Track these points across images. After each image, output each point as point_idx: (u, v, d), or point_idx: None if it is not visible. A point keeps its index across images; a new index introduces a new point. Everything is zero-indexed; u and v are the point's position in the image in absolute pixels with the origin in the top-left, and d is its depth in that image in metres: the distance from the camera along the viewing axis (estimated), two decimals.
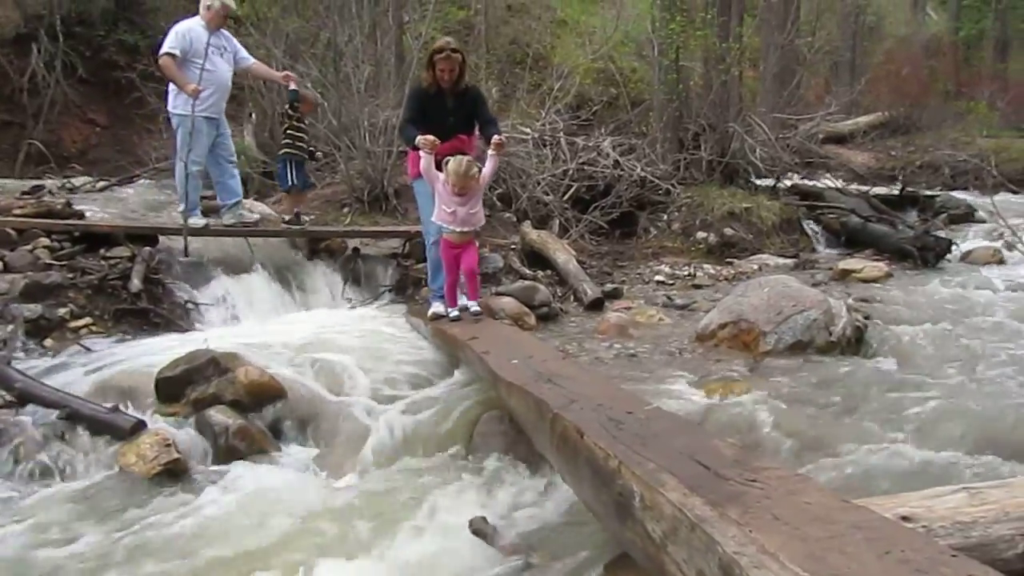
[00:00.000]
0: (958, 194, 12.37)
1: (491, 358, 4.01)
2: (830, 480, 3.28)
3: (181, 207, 6.54)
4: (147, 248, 6.21)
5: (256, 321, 6.10)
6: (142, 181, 11.04)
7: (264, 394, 4.36)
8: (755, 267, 8.62)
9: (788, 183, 11.53)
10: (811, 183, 11.86)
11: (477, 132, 5.75)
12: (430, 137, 5.08)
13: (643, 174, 9.97)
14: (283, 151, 6.96)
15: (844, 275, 7.75)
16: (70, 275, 5.75)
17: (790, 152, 11.92)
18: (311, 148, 7.18)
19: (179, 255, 6.32)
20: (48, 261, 5.85)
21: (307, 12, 10.57)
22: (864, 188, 11.67)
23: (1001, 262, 8.42)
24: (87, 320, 5.54)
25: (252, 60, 7.08)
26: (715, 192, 10.08)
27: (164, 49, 6.40)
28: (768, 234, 9.69)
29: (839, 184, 11.95)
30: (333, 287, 6.92)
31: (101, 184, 10.61)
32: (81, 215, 6.91)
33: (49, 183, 10.06)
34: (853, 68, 20.84)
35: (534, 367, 3.67)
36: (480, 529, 3.06)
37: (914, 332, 5.61)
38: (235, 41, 6.89)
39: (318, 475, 3.96)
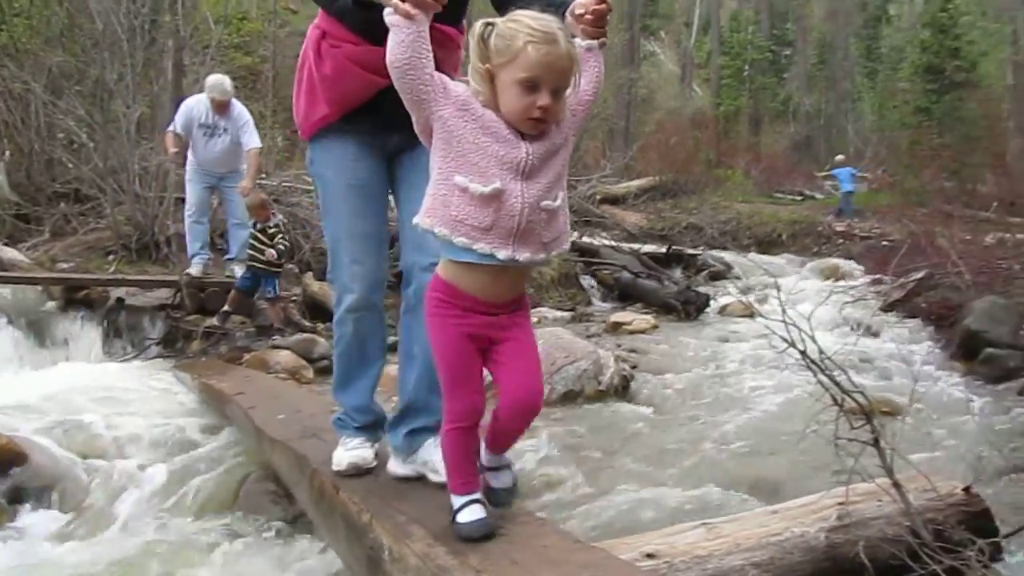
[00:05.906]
0: (718, 253, 13.51)
1: (257, 413, 3.86)
2: (591, 523, 3.44)
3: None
4: None
5: None
6: None
7: (0, 459, 3.95)
8: (535, 320, 8.91)
9: None
10: (588, 240, 12.51)
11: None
12: None
13: None
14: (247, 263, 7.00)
15: (615, 327, 8.21)
16: None
17: (569, 211, 12.49)
18: (280, 260, 6.85)
19: None
20: None
21: (74, 47, 9.88)
22: (636, 246, 12.45)
23: (752, 315, 9.23)
24: None
25: (249, 148, 7.19)
26: None
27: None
28: (547, 288, 10.07)
29: (613, 242, 12.69)
30: (92, 340, 6.43)
31: None
32: None
33: None
34: (627, 135, 22.49)
35: (301, 422, 3.57)
36: None
37: (675, 379, 6.06)
38: (245, 122, 7.22)
39: (61, 546, 3.60)
